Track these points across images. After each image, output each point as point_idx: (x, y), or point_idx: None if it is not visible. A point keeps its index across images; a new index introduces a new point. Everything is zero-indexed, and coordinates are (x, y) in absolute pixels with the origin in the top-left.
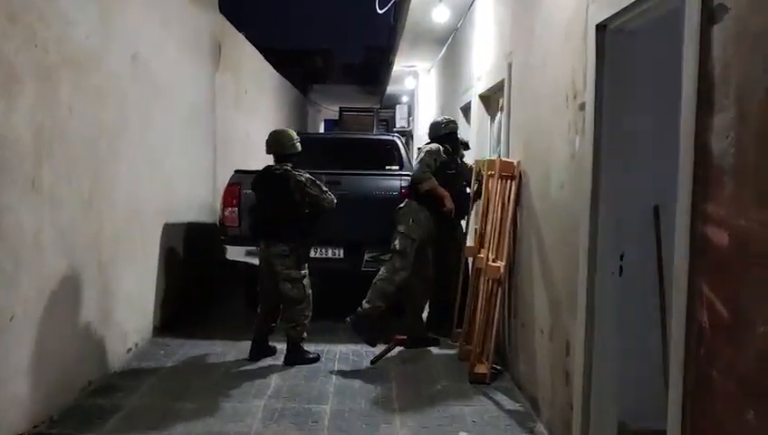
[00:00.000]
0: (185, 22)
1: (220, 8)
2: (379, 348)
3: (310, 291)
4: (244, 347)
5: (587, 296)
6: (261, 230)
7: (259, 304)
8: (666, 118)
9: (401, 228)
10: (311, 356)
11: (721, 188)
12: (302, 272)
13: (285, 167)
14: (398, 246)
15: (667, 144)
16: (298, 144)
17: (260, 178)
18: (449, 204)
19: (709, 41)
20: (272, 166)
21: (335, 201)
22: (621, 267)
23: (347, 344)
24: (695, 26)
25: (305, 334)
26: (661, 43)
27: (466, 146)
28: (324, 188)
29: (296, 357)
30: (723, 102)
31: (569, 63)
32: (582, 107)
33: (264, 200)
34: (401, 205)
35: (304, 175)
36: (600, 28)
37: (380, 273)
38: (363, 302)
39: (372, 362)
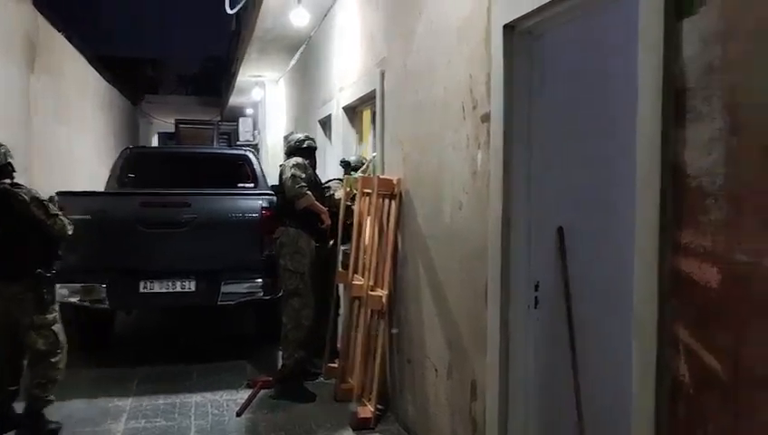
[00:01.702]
0: None
1: (36, 6)
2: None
3: (64, 337)
4: (94, 406)
5: (500, 333)
6: None
7: None
8: (574, 129)
9: (287, 264)
10: (52, 427)
11: (703, 214)
12: (51, 316)
13: (3, 184)
14: (290, 287)
15: (572, 158)
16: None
17: None
18: (327, 220)
19: (678, 39)
20: None
21: (69, 228)
22: (537, 299)
23: (203, 393)
24: (657, 21)
25: (53, 397)
26: (573, 47)
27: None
28: (53, 211)
29: (36, 428)
30: (702, 111)
31: (464, 69)
32: (486, 118)
33: None
34: (277, 235)
35: (30, 193)
36: (508, 29)
37: (285, 322)
38: (283, 361)
39: (238, 414)
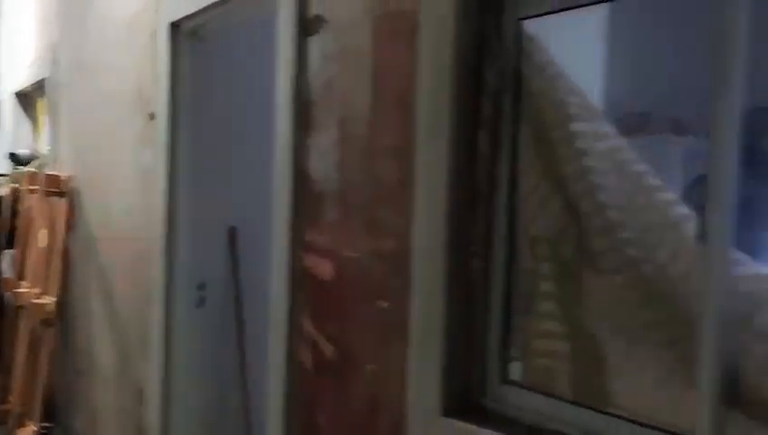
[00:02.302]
0: None
1: None
2: None
3: None
4: None
5: (164, 335)
6: None
7: None
8: (246, 132)
9: None
10: None
11: (323, 216)
12: None
13: None
14: None
15: (243, 161)
16: None
17: None
18: None
19: (305, 54)
20: None
21: None
22: (203, 298)
23: None
24: (289, 37)
25: None
26: (244, 51)
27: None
28: None
29: None
30: (324, 123)
31: (135, 65)
32: (153, 116)
33: None
34: None
35: None
36: (175, 28)
37: None
38: None
39: None
